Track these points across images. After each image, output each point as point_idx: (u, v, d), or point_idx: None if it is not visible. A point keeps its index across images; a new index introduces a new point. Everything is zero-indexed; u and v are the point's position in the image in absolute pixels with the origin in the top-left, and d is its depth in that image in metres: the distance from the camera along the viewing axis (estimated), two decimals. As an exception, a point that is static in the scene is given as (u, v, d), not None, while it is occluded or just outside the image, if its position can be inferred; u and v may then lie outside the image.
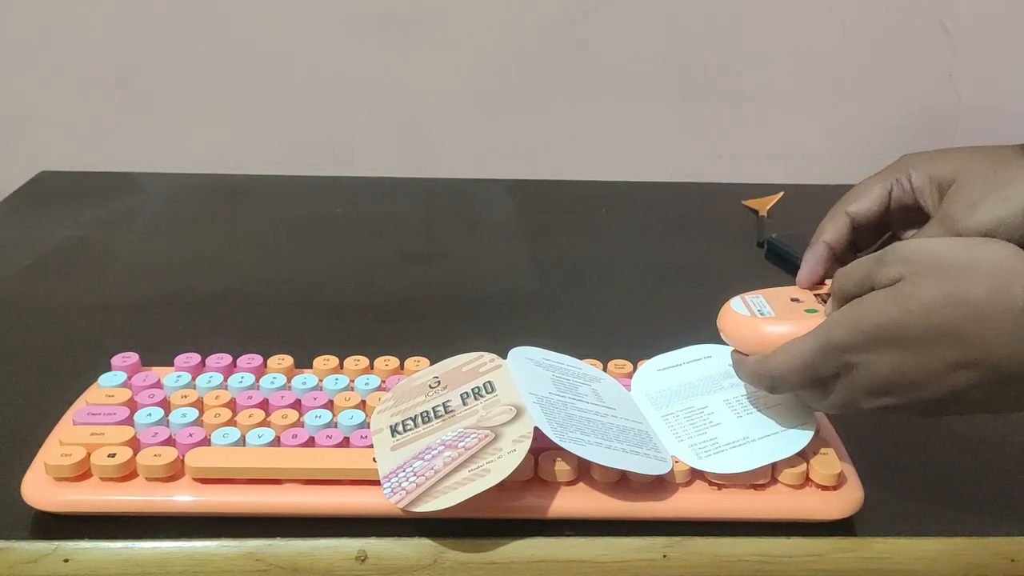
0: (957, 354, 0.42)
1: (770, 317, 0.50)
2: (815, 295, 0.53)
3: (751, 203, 0.96)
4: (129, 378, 0.55)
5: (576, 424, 0.49)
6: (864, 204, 0.55)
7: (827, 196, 1.04)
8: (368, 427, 0.52)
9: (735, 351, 0.51)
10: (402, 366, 0.57)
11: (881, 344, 0.43)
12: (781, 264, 0.82)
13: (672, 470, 0.49)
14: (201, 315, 0.71)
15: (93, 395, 0.53)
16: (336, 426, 0.52)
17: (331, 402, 0.53)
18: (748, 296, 0.53)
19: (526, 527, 0.48)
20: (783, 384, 0.48)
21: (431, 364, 0.56)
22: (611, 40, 1.02)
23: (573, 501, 0.49)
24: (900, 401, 0.44)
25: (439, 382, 0.54)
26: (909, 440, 0.58)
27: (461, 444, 0.48)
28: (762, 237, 0.87)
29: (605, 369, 0.58)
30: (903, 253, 0.44)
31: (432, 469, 0.47)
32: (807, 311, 0.50)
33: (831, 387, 0.46)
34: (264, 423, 0.51)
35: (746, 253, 0.86)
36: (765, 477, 0.50)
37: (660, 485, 0.49)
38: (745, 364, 0.50)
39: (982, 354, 0.41)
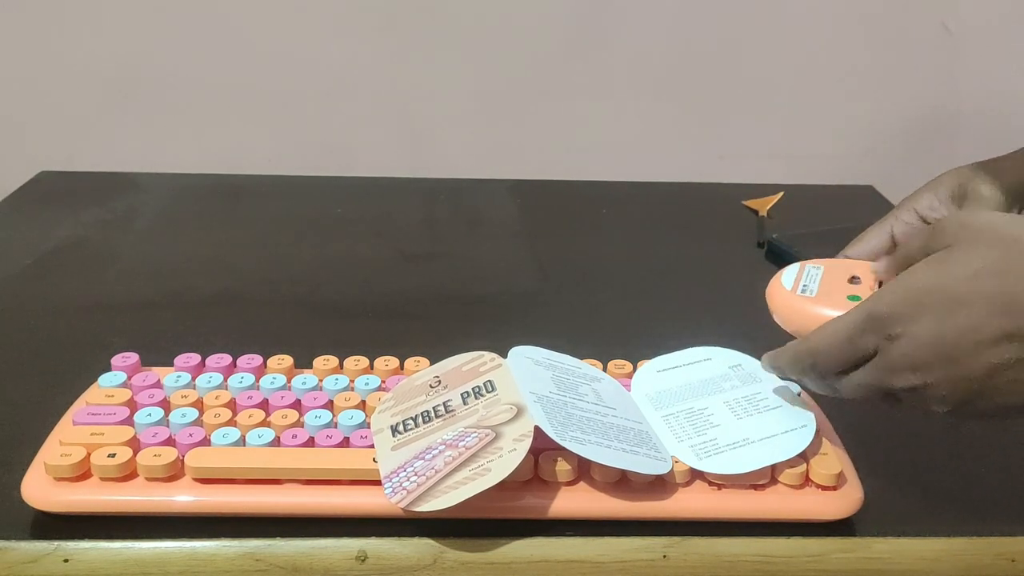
0: (1006, 323, 0.40)
1: (809, 297, 0.50)
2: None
3: (751, 203, 0.96)
4: (129, 378, 0.55)
5: (576, 423, 0.49)
6: (860, 248, 0.54)
7: (827, 196, 1.05)
8: (368, 427, 0.52)
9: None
10: (402, 366, 0.57)
11: (926, 311, 0.42)
12: (781, 264, 0.82)
13: (672, 470, 0.49)
14: (201, 315, 0.71)
15: (93, 395, 0.53)
16: (336, 426, 0.52)
17: (331, 402, 0.53)
18: (810, 265, 0.52)
19: (526, 527, 0.48)
20: (825, 360, 0.46)
21: (431, 364, 0.56)
22: (611, 40, 1.02)
23: (573, 501, 0.49)
24: (935, 378, 0.42)
25: (439, 381, 0.54)
26: (909, 440, 0.58)
27: (462, 443, 0.48)
28: (762, 237, 0.87)
29: (605, 369, 0.58)
30: (958, 220, 0.44)
31: (433, 469, 0.47)
32: (849, 298, 0.49)
33: (866, 365, 0.45)
34: (264, 423, 0.51)
35: (746, 253, 0.86)
36: (765, 477, 0.50)
37: (660, 485, 0.49)
38: (786, 349, 0.49)
39: None
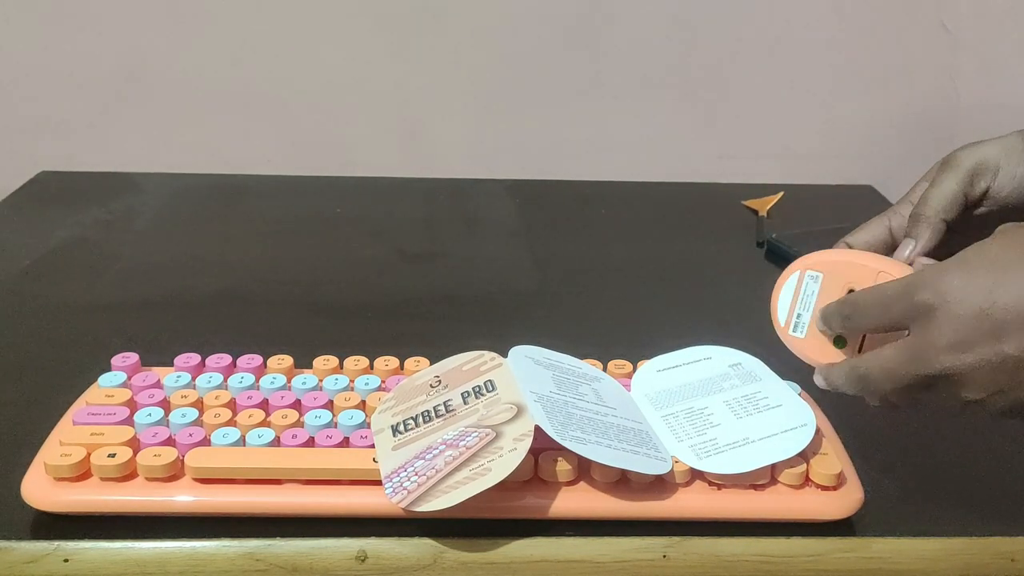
0: None
1: (799, 338, 0.51)
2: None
3: (751, 203, 0.96)
4: (129, 378, 0.55)
5: (577, 423, 0.49)
6: (859, 238, 0.54)
7: (827, 196, 1.05)
8: (368, 427, 0.52)
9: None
10: (402, 366, 0.57)
11: (975, 276, 0.41)
12: (781, 264, 0.82)
13: (672, 470, 0.49)
14: (201, 315, 0.71)
15: (93, 395, 0.53)
16: (336, 426, 0.52)
17: (331, 402, 0.53)
18: (809, 274, 0.51)
19: (526, 527, 0.48)
20: (860, 315, 0.46)
21: (431, 364, 0.56)
22: (611, 40, 1.02)
23: (573, 501, 0.49)
24: (975, 358, 0.41)
25: (440, 381, 0.54)
26: (909, 440, 0.58)
27: (462, 443, 0.48)
28: (762, 237, 0.87)
29: (605, 369, 0.58)
30: (1001, 226, 0.44)
31: (433, 468, 0.47)
32: (836, 343, 0.50)
33: (899, 343, 0.44)
34: (264, 423, 0.51)
35: (746, 253, 0.86)
36: (765, 477, 0.50)
37: (660, 485, 0.49)
38: (832, 302, 0.48)
39: None
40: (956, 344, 0.42)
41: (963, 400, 0.43)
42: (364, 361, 0.57)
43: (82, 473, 0.48)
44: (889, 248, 0.53)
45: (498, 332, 0.64)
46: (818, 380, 0.50)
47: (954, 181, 0.50)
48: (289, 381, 0.56)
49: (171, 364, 0.57)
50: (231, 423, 0.51)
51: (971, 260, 0.42)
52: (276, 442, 0.50)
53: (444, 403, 0.52)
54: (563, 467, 0.49)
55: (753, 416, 0.52)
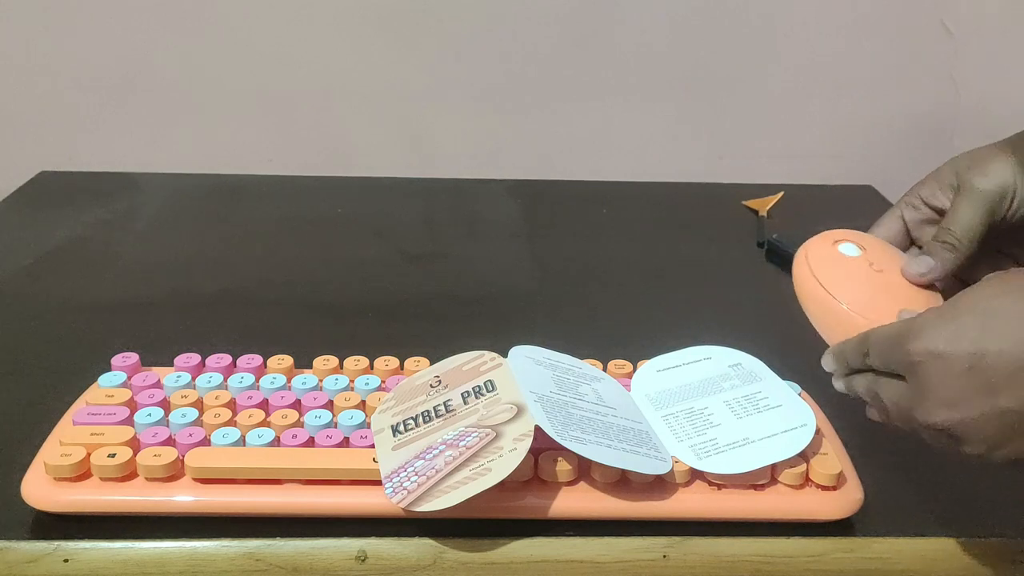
0: None
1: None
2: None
3: (751, 203, 0.96)
4: (129, 378, 0.55)
5: (577, 423, 0.49)
6: (879, 231, 0.54)
7: (827, 196, 1.05)
8: (368, 427, 0.52)
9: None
10: (402, 366, 0.57)
11: (964, 330, 0.40)
12: (781, 264, 0.82)
13: (672, 470, 0.49)
14: (201, 315, 0.71)
15: (93, 395, 0.53)
16: (336, 426, 0.52)
17: (331, 402, 0.53)
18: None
19: (526, 527, 0.48)
20: (875, 352, 0.45)
21: (431, 364, 0.56)
22: (612, 40, 1.02)
23: (573, 501, 0.49)
24: (972, 413, 0.40)
25: (440, 381, 0.54)
26: (909, 440, 0.57)
27: (462, 443, 0.48)
28: (762, 237, 0.87)
29: (605, 369, 0.58)
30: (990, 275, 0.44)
31: (433, 468, 0.47)
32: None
33: (900, 384, 0.43)
34: (264, 423, 0.51)
35: (746, 253, 0.86)
36: (765, 477, 0.50)
37: (660, 485, 0.49)
38: (854, 337, 0.47)
39: None
40: (948, 401, 0.41)
41: (964, 453, 0.42)
42: (364, 361, 0.57)
43: (82, 473, 0.48)
44: (907, 241, 0.54)
45: (498, 332, 0.64)
46: (837, 385, 0.49)
47: (979, 215, 0.50)
48: (289, 381, 0.56)
49: (171, 364, 0.57)
50: (231, 423, 0.51)
51: (960, 310, 0.41)
52: (276, 442, 0.50)
53: (444, 403, 0.52)
54: (563, 467, 0.49)
55: (753, 416, 0.52)
